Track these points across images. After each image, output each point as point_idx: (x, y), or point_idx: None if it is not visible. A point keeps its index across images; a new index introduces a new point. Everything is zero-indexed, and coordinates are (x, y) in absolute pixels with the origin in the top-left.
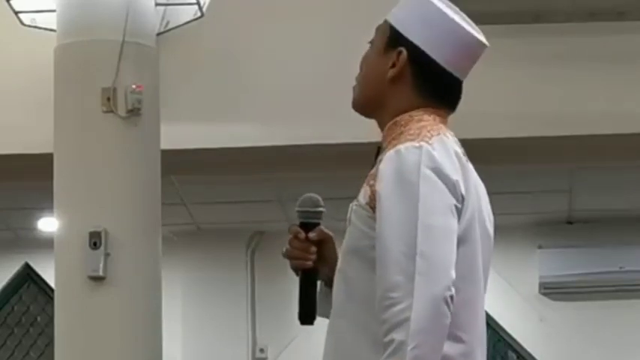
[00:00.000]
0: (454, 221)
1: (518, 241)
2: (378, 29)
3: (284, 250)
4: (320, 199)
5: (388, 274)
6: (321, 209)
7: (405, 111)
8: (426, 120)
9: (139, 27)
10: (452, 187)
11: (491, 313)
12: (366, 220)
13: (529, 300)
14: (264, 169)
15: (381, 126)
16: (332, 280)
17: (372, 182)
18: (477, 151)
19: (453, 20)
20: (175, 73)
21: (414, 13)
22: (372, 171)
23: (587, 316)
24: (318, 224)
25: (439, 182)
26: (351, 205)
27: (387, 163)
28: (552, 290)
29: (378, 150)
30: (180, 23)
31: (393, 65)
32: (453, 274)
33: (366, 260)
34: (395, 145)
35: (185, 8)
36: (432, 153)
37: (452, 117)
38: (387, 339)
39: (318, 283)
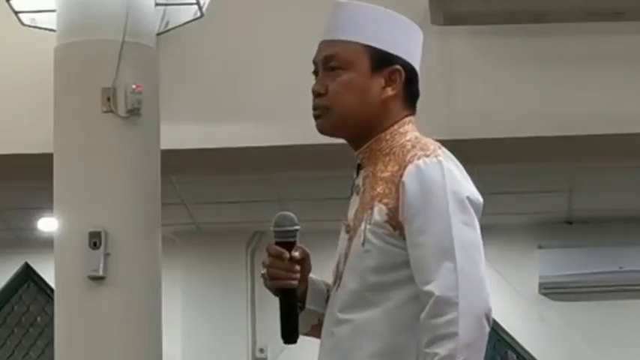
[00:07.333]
0: (479, 234)
1: (518, 241)
2: (337, 54)
3: (263, 271)
4: (294, 216)
5: (434, 287)
6: (297, 227)
7: (391, 125)
8: (410, 129)
9: (139, 27)
10: (474, 199)
11: None
12: (386, 238)
13: (529, 300)
14: (264, 169)
15: (358, 143)
16: (305, 296)
17: (386, 200)
18: (477, 151)
19: (415, 26)
20: (175, 73)
21: (394, 31)
22: (379, 190)
23: (587, 316)
24: (295, 242)
25: (464, 199)
26: (360, 228)
27: (411, 179)
28: (552, 290)
29: (358, 167)
30: (181, 23)
31: (387, 84)
32: (489, 287)
33: (394, 277)
34: (405, 160)
35: (185, 8)
36: (451, 169)
37: (452, 117)
38: (429, 350)
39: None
